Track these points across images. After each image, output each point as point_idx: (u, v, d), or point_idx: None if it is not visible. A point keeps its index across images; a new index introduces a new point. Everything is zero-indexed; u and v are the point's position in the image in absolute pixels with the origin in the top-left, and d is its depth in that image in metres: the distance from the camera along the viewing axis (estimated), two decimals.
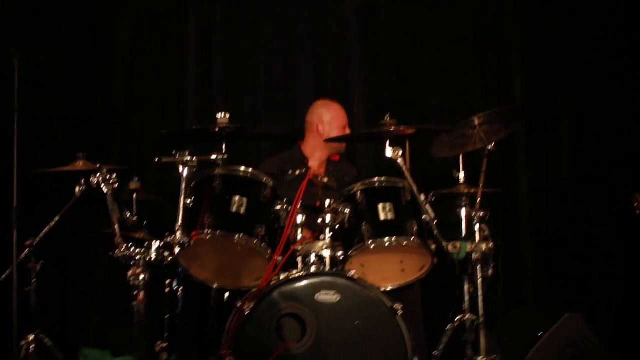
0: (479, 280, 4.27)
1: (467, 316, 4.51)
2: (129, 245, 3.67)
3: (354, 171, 5.31)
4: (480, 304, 4.27)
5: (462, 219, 4.59)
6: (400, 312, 3.92)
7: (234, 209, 4.17)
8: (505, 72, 6.26)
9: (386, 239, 4.21)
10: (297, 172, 4.61)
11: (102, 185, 3.78)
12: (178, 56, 6.14)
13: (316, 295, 3.89)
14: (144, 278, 3.62)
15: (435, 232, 4.22)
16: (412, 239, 4.22)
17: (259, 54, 6.20)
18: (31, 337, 4.57)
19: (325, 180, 4.65)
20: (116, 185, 3.80)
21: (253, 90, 6.15)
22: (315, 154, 5.22)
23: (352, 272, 4.06)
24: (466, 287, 4.55)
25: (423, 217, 4.30)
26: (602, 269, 6.03)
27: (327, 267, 4.13)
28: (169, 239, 3.72)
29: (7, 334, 4.10)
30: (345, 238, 4.30)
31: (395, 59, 6.27)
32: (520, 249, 6.06)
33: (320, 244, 4.17)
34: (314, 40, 6.23)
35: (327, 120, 5.20)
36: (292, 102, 6.11)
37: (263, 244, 4.14)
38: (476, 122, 4.40)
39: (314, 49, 6.23)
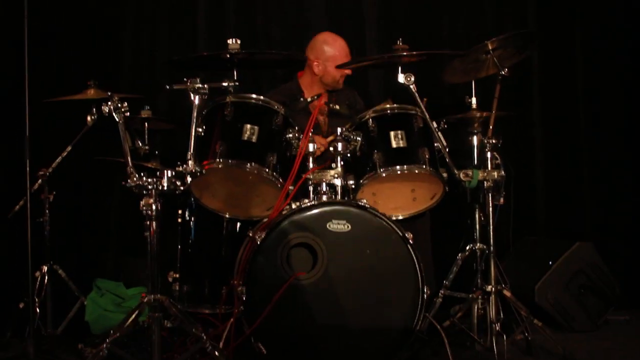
0: (490, 209, 4.27)
1: (477, 245, 4.53)
2: (141, 175, 3.65)
3: (356, 97, 5.21)
4: (491, 233, 4.29)
5: (474, 147, 4.57)
6: (411, 241, 3.91)
7: (245, 137, 4.17)
8: None
9: (398, 167, 4.22)
10: (309, 99, 4.55)
11: (114, 114, 3.74)
12: None
13: (327, 225, 3.88)
14: (156, 208, 3.60)
15: (447, 159, 4.22)
16: (423, 167, 4.22)
17: None
18: (45, 268, 4.64)
19: (337, 107, 4.62)
20: (128, 114, 3.76)
21: (265, 16, 6.04)
22: (311, 89, 5.00)
23: (364, 201, 4.03)
24: (477, 216, 4.56)
25: (435, 145, 4.30)
26: (614, 197, 6.02)
27: (339, 196, 4.11)
28: (180, 168, 3.70)
29: (21, 265, 4.12)
30: (357, 166, 4.29)
31: None
32: (533, 176, 6.02)
33: (332, 172, 4.15)
34: None
35: (324, 58, 4.97)
36: (305, 27, 6.00)
37: (274, 173, 4.15)
38: (489, 46, 4.35)
39: None
